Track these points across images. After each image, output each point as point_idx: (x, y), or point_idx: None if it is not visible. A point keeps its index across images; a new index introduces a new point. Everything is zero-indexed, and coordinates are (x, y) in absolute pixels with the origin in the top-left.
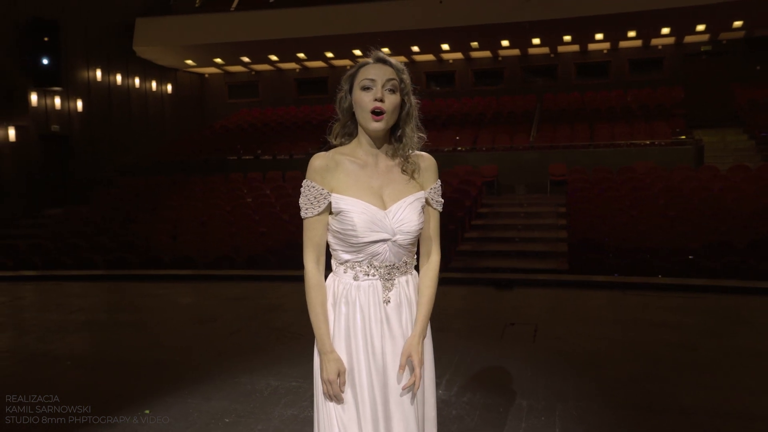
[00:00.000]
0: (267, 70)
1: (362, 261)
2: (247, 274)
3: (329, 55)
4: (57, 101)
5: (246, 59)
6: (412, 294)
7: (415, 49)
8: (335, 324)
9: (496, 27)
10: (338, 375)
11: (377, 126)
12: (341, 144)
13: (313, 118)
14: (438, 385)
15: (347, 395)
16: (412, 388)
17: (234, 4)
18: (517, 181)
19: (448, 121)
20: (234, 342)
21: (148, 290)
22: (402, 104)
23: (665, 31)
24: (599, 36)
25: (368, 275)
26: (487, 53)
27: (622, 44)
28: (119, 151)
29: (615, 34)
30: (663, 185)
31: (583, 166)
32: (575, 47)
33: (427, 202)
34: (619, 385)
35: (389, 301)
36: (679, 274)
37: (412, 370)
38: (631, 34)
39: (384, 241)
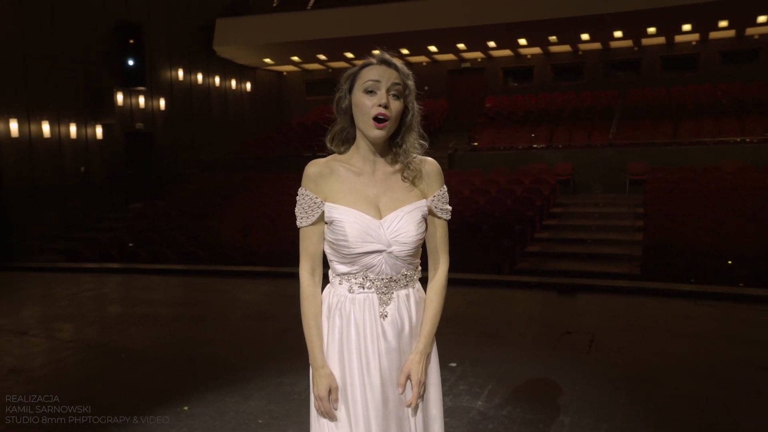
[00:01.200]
0: (343, 67)
1: (357, 273)
2: None
3: (404, 51)
4: (141, 100)
5: (322, 57)
6: (414, 309)
7: (492, 44)
8: (329, 337)
9: (576, 20)
10: (329, 391)
11: (379, 134)
12: (339, 150)
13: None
14: (478, 395)
15: (341, 412)
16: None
17: (311, 3)
18: (593, 179)
19: (524, 117)
20: (283, 341)
21: (214, 285)
22: (405, 110)
23: (762, 19)
24: (687, 27)
25: (363, 288)
26: (566, 47)
27: (713, 35)
28: (200, 147)
29: (705, 25)
30: (751, 186)
31: (665, 164)
32: (660, 39)
33: (430, 211)
34: (675, 405)
35: (386, 316)
36: (764, 284)
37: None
38: (723, 24)
39: (378, 252)
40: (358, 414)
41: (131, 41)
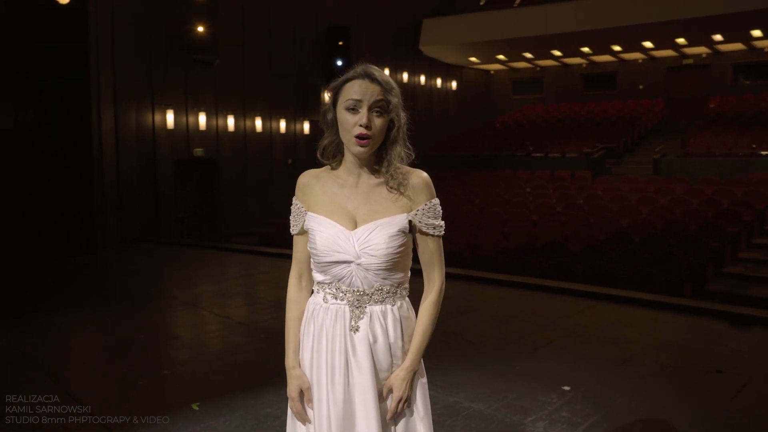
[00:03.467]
0: (552, 65)
1: (330, 283)
2: (466, 273)
3: (617, 48)
4: None
5: (529, 55)
6: (390, 327)
7: (718, 38)
8: (304, 343)
9: None
10: (299, 392)
11: (361, 150)
12: (331, 163)
13: (596, 116)
14: (575, 426)
15: (311, 415)
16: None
17: (518, 1)
18: None
19: (752, 119)
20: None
21: None
22: (391, 123)
23: None
24: None
25: (336, 299)
26: None
27: None
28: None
29: None
30: None
31: None
32: None
33: (415, 225)
34: None
35: (357, 330)
36: None
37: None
38: None
39: (347, 263)
40: (322, 427)
41: (340, 43)
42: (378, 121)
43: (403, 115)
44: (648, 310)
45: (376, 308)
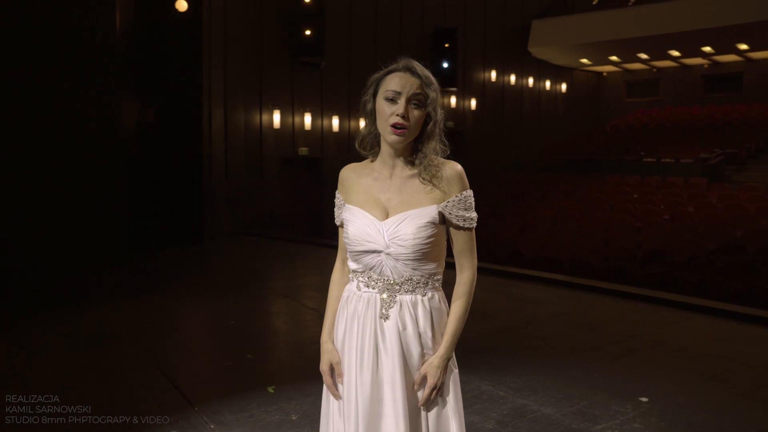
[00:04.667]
0: (670, 66)
1: (363, 272)
2: (558, 278)
3: (743, 47)
4: (453, 100)
5: (644, 56)
6: (421, 317)
7: None
8: (338, 325)
9: None
10: (331, 366)
11: (396, 139)
12: (369, 154)
13: (716, 119)
14: None
15: (334, 407)
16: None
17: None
18: None
19: None
20: (488, 341)
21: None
22: (427, 118)
23: None
24: None
25: (368, 287)
26: None
27: None
28: (507, 147)
29: None
30: None
31: None
32: None
33: (445, 216)
34: None
35: (387, 318)
36: None
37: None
38: None
39: (377, 252)
40: (350, 410)
41: (446, 45)
42: (415, 113)
43: (440, 111)
44: (755, 326)
45: (406, 298)
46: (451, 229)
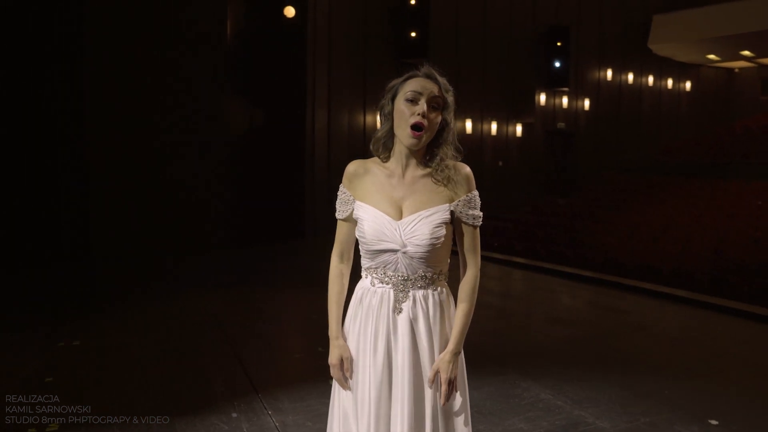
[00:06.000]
0: None
1: (377, 268)
2: (656, 289)
3: None
4: (564, 100)
5: None
6: (432, 310)
7: None
8: (354, 319)
9: None
10: (341, 360)
11: (414, 142)
12: (381, 156)
13: None
14: None
15: (354, 382)
16: (419, 404)
17: None
18: None
19: None
20: (560, 349)
21: (548, 284)
22: (443, 123)
23: None
24: None
25: (382, 283)
26: None
27: None
28: (623, 149)
29: None
30: None
31: None
32: None
33: (456, 215)
34: None
35: (401, 312)
36: None
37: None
38: None
39: (393, 251)
40: (365, 397)
41: (558, 44)
42: (433, 115)
43: (453, 119)
44: None
45: (419, 293)
46: (461, 227)
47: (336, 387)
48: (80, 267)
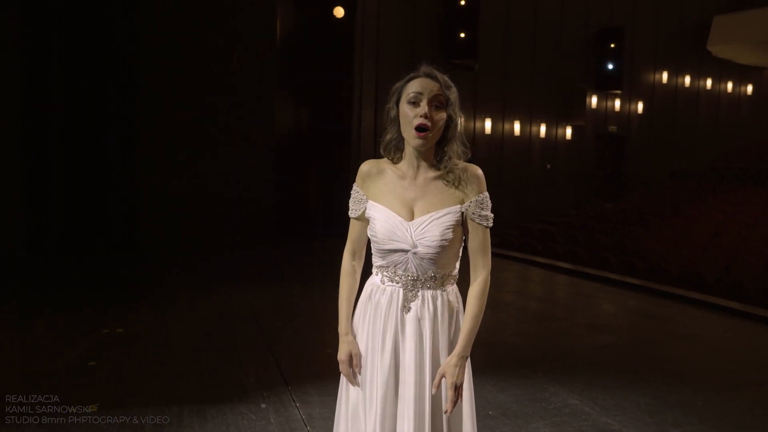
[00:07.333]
0: None
1: (388, 267)
2: (699, 298)
3: None
4: (617, 103)
5: None
6: (441, 311)
7: None
8: (363, 316)
9: None
10: (350, 356)
11: (419, 143)
12: (392, 158)
13: None
14: None
15: (362, 378)
16: (422, 404)
17: None
18: None
19: None
20: (594, 355)
21: (590, 290)
22: (449, 120)
23: None
24: None
25: (392, 281)
26: None
27: None
28: (677, 154)
29: None
30: None
31: None
32: None
33: (467, 216)
34: None
35: (409, 310)
36: None
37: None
38: None
39: (404, 251)
40: (372, 395)
41: (612, 45)
42: (437, 114)
43: (459, 113)
44: None
45: (428, 292)
46: (471, 228)
47: (344, 383)
48: (127, 257)
